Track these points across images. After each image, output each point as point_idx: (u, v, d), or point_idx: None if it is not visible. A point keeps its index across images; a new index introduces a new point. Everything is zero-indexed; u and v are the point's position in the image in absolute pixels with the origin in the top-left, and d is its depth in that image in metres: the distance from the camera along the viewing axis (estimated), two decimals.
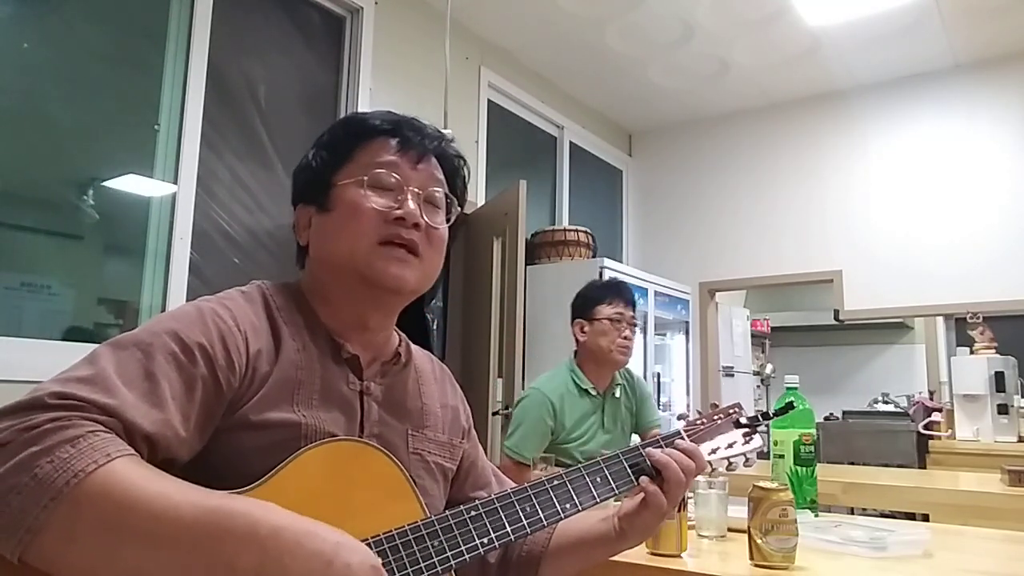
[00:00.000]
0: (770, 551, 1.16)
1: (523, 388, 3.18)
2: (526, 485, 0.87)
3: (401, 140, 0.92)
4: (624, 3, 3.82)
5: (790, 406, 1.13)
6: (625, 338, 2.27)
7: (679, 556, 1.23)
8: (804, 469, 1.58)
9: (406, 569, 0.74)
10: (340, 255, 0.88)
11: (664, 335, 4.78)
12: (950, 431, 3.96)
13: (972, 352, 3.87)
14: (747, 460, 1.03)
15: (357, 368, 0.90)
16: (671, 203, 5.37)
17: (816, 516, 1.58)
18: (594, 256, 4.21)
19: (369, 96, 3.43)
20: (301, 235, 0.94)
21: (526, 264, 3.48)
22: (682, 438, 0.99)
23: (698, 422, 1.04)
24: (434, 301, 3.54)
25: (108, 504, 0.60)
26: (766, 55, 4.34)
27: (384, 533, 0.76)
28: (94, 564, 0.61)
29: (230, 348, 0.78)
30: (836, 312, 4.63)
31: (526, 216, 3.36)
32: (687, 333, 4.81)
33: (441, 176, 0.95)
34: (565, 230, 4.24)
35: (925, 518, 2.35)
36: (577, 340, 2.34)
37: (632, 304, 2.33)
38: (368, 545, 0.73)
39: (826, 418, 5.08)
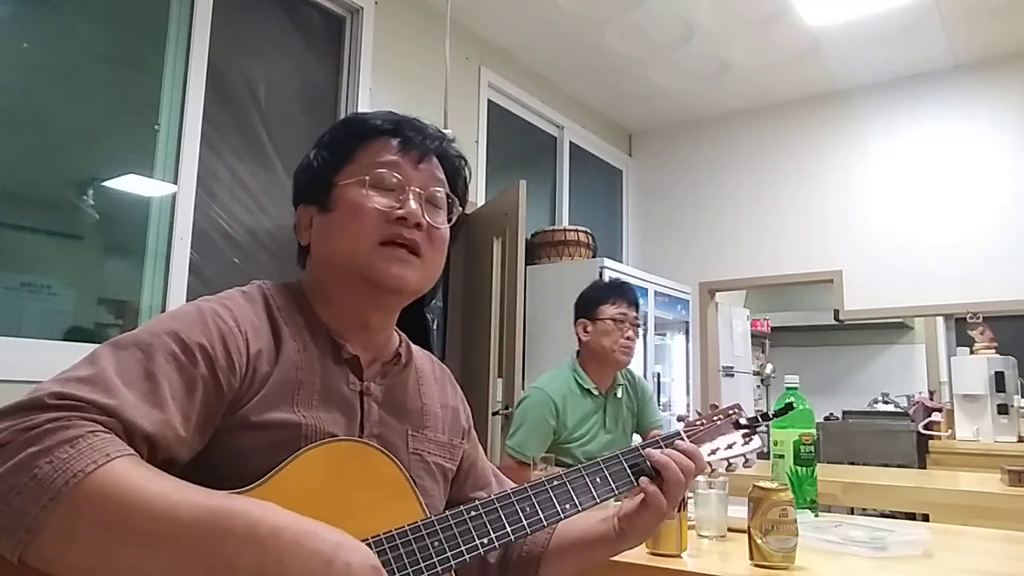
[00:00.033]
0: (770, 551, 1.16)
1: (523, 388, 3.18)
2: (526, 486, 0.87)
3: (403, 140, 0.92)
4: (624, 3, 3.82)
5: (789, 407, 1.13)
6: (628, 339, 2.27)
7: (679, 556, 1.23)
8: (804, 469, 1.58)
9: (406, 569, 0.74)
10: (342, 255, 0.88)
11: (664, 335, 4.78)
12: (950, 431, 3.96)
13: (972, 352, 3.87)
14: (747, 461, 1.03)
15: (357, 368, 0.90)
16: (671, 203, 5.37)
17: (816, 516, 1.58)
18: (594, 256, 4.21)
19: (369, 96, 3.43)
20: (302, 235, 0.94)
21: (526, 264, 3.48)
22: (682, 439, 0.99)
23: (698, 423, 1.04)
24: (434, 301, 3.54)
25: (107, 504, 0.60)
26: (766, 55, 4.34)
27: (384, 533, 0.76)
28: (94, 564, 0.61)
29: (230, 348, 0.78)
30: (836, 312, 4.64)
31: (526, 216, 3.36)
32: (687, 333, 4.81)
33: (442, 176, 0.95)
34: (565, 230, 4.24)
35: (925, 518, 2.35)
36: (580, 340, 2.34)
37: (636, 305, 2.33)
38: (368, 545, 0.72)
39: (826, 418, 5.08)
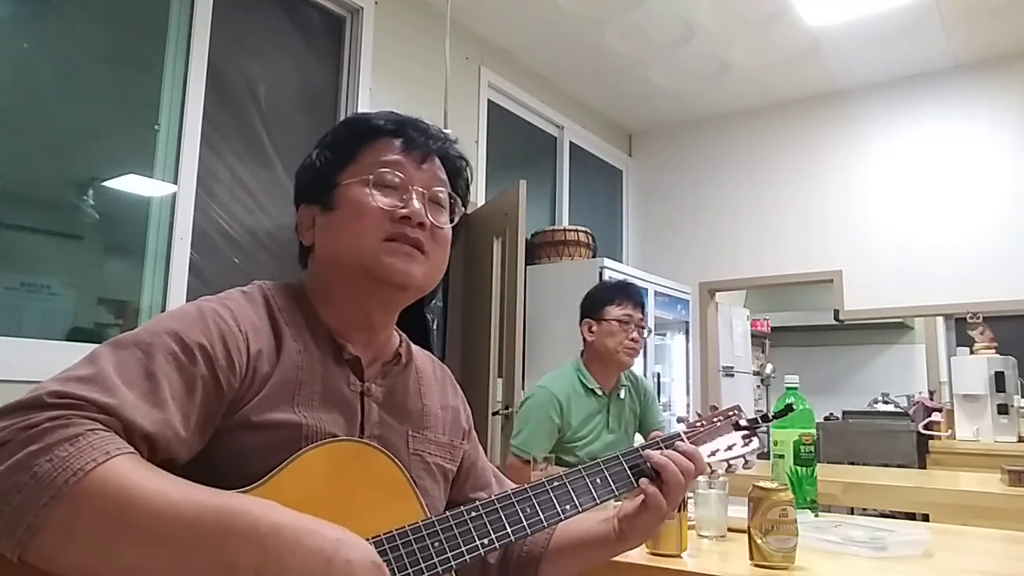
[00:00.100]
0: (770, 551, 1.16)
1: (523, 388, 3.18)
2: (526, 486, 0.87)
3: (405, 140, 0.92)
4: (624, 3, 3.82)
5: (789, 408, 1.13)
6: (633, 340, 2.27)
7: (679, 556, 1.23)
8: (804, 469, 1.58)
9: (406, 569, 0.74)
10: (346, 252, 0.89)
11: (664, 335, 4.78)
12: (950, 431, 3.96)
13: (972, 352, 3.87)
14: (746, 462, 1.03)
15: (358, 369, 0.90)
16: (671, 203, 5.37)
17: (816, 516, 1.58)
18: (594, 256, 4.21)
19: (369, 96, 3.43)
20: (304, 235, 0.94)
21: (526, 264, 3.48)
22: (682, 440, 0.99)
23: (697, 424, 1.04)
24: (434, 301, 3.54)
25: (107, 502, 0.60)
26: (766, 55, 4.34)
27: (384, 533, 0.76)
28: (94, 562, 0.61)
29: (231, 348, 0.78)
30: (836, 312, 4.64)
31: (526, 216, 3.36)
32: (687, 333, 4.81)
33: (444, 176, 0.95)
34: (565, 230, 4.24)
35: (925, 518, 2.35)
36: (585, 340, 2.34)
37: (641, 306, 2.34)
38: None
39: (826, 418, 5.08)
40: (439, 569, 0.76)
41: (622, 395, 2.37)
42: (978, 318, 3.89)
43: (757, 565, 1.17)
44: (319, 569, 0.62)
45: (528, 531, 0.83)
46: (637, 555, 1.20)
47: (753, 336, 5.77)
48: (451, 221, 0.95)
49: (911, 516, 2.71)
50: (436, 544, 0.77)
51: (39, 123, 2.43)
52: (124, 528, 0.60)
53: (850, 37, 4.11)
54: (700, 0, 3.78)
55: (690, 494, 1.39)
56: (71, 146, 2.53)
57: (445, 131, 0.98)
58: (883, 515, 2.62)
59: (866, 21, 3.94)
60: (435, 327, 3.56)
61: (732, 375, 5.18)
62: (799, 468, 1.58)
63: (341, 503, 0.76)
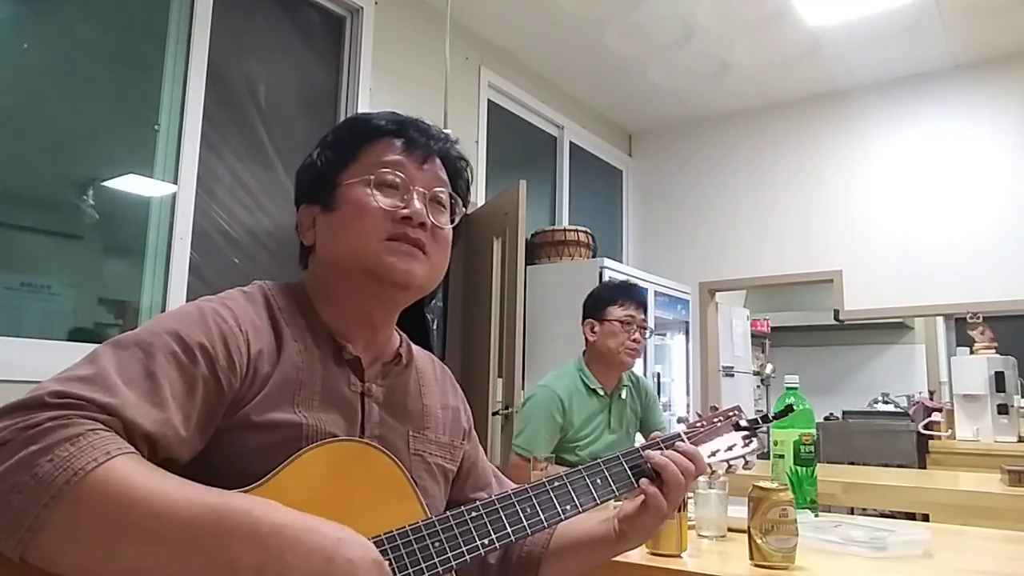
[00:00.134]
0: (770, 551, 1.16)
1: (523, 388, 3.18)
2: (526, 486, 0.87)
3: (406, 140, 0.92)
4: (624, 3, 3.82)
5: (789, 409, 1.13)
6: (635, 340, 2.27)
7: (679, 556, 1.23)
8: (804, 469, 1.58)
9: (407, 569, 0.74)
10: (348, 252, 0.89)
11: (664, 335, 4.78)
12: (950, 431, 3.96)
13: (972, 352, 3.87)
14: (746, 463, 1.03)
15: (359, 370, 0.90)
16: (671, 203, 5.37)
17: (816, 516, 1.58)
18: (594, 256, 4.21)
19: (369, 96, 3.43)
20: (305, 235, 0.94)
21: (526, 264, 3.48)
22: (682, 440, 0.99)
23: (698, 424, 1.04)
24: (434, 301, 3.54)
25: (109, 502, 0.60)
26: (766, 55, 4.34)
27: (385, 533, 0.76)
28: (95, 562, 0.61)
29: (231, 348, 0.78)
30: (836, 312, 4.64)
31: (526, 216, 3.36)
32: (687, 333, 4.81)
33: (445, 177, 0.95)
34: (565, 230, 4.24)
35: (925, 518, 2.35)
36: (587, 340, 2.34)
37: (644, 307, 2.34)
38: None
39: (826, 418, 5.08)
40: (439, 569, 0.76)
41: (624, 395, 2.37)
42: (978, 318, 3.89)
43: (757, 565, 1.17)
44: (321, 568, 0.62)
45: (528, 531, 0.83)
46: (637, 555, 1.20)
47: (753, 336, 5.77)
48: (452, 221, 0.95)
49: (911, 516, 2.71)
50: (436, 544, 0.77)
51: (39, 123, 2.43)
52: (125, 528, 0.60)
53: (850, 37, 4.11)
54: (700, 0, 3.78)
55: (690, 494, 1.39)
56: (71, 146, 2.53)
57: (446, 131, 0.98)
58: (883, 515, 2.62)
59: (866, 21, 3.94)
60: (435, 327, 3.56)
61: (732, 375, 5.18)
62: (799, 468, 1.58)
63: (341, 503, 0.76)
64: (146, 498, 0.61)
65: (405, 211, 0.88)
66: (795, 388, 1.63)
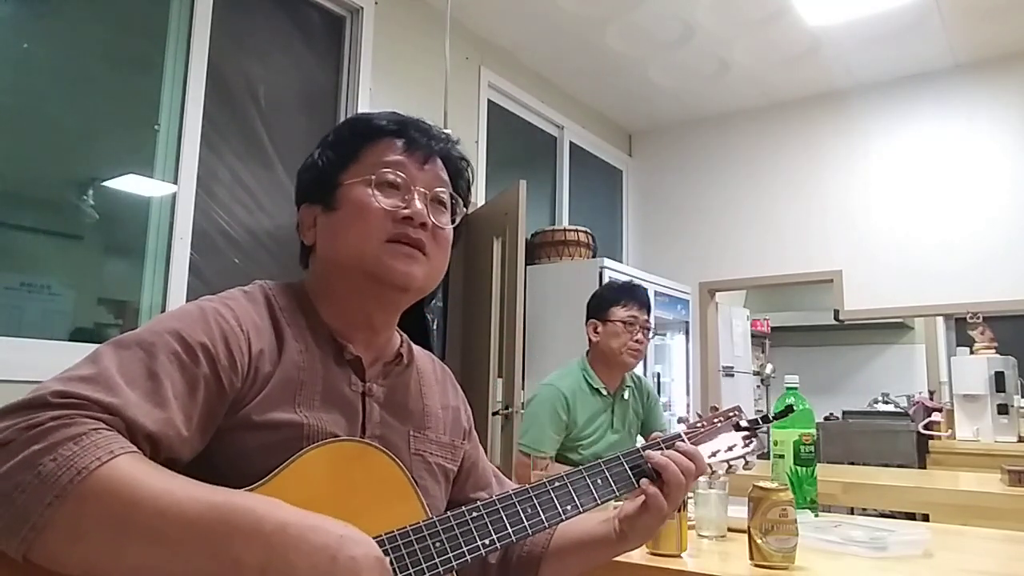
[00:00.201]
0: (770, 551, 1.16)
1: (523, 388, 3.18)
2: (527, 486, 0.87)
3: (407, 141, 0.92)
4: (624, 3, 3.82)
5: (789, 409, 1.13)
6: (637, 341, 2.27)
7: (679, 556, 1.23)
8: (804, 469, 1.58)
9: (408, 569, 0.74)
10: (348, 253, 0.89)
11: (664, 335, 4.78)
12: (950, 431, 3.96)
13: (972, 352, 3.87)
14: (746, 463, 1.03)
15: (359, 369, 0.90)
16: (671, 203, 5.37)
17: (816, 516, 1.58)
18: (594, 256, 4.21)
19: (369, 96, 3.43)
20: (306, 234, 0.94)
21: (526, 264, 3.48)
22: (682, 440, 0.99)
23: (698, 424, 1.04)
24: (434, 301, 3.54)
25: (112, 500, 0.60)
26: (766, 55, 4.34)
27: (386, 533, 0.76)
28: (99, 561, 0.61)
29: (232, 348, 0.78)
30: (836, 312, 4.64)
31: (526, 216, 3.35)
32: (687, 333, 4.81)
33: (446, 177, 0.95)
34: (565, 230, 4.24)
35: (925, 518, 2.35)
36: (590, 340, 2.35)
37: (647, 308, 2.34)
38: None
39: (826, 418, 5.08)
40: (440, 569, 0.76)
41: (626, 396, 2.38)
42: (978, 318, 3.89)
43: (757, 565, 1.17)
44: (324, 565, 0.62)
45: (529, 531, 0.83)
46: (637, 555, 1.20)
47: (753, 336, 5.77)
48: (453, 222, 0.95)
49: (911, 516, 2.71)
50: (437, 544, 0.77)
51: (39, 123, 2.43)
52: (129, 526, 0.60)
53: (850, 37, 4.11)
54: (700, 0, 3.78)
55: (690, 494, 1.39)
56: (71, 146, 2.53)
57: (447, 131, 0.98)
58: (883, 515, 2.62)
59: (866, 21, 3.94)
60: (435, 327, 3.56)
61: (732, 375, 5.18)
62: (799, 468, 1.58)
63: (342, 503, 0.76)
64: (150, 497, 0.61)
65: (406, 211, 0.88)
66: (795, 388, 1.63)
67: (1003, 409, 3.70)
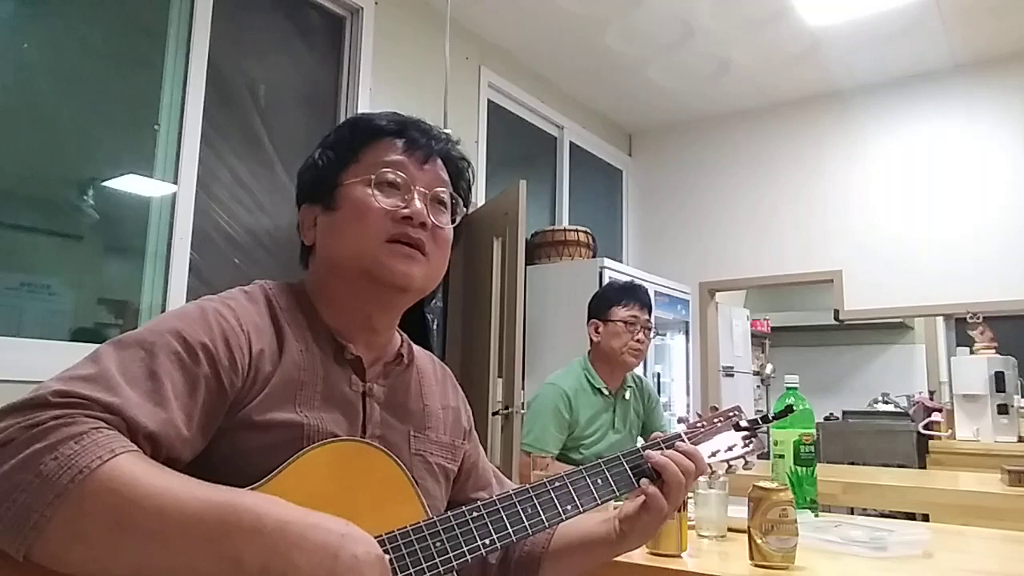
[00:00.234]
0: (770, 551, 1.16)
1: (523, 388, 3.18)
2: (527, 486, 0.87)
3: (408, 141, 0.92)
4: (624, 3, 3.82)
5: (789, 409, 1.13)
6: (638, 341, 2.28)
7: (679, 556, 1.23)
8: (804, 469, 1.58)
9: (408, 569, 0.74)
10: (347, 253, 0.89)
11: (664, 335, 4.78)
12: (950, 431, 3.96)
13: (972, 352, 3.87)
14: (746, 463, 1.03)
15: (360, 369, 0.90)
16: (671, 203, 5.37)
17: (816, 516, 1.58)
18: (594, 256, 4.21)
19: (369, 96, 3.43)
20: (306, 235, 0.95)
21: (526, 264, 3.48)
22: (682, 440, 0.99)
23: (698, 424, 1.04)
24: (434, 301, 3.54)
25: (113, 500, 0.60)
26: (766, 55, 4.34)
27: (386, 533, 0.76)
28: (99, 560, 0.61)
29: (233, 348, 0.78)
30: (836, 312, 4.64)
31: (526, 216, 3.35)
32: (687, 333, 4.81)
33: (446, 177, 0.95)
34: (565, 230, 4.24)
35: (925, 518, 2.35)
36: (591, 340, 2.35)
37: (648, 308, 2.34)
38: None
39: (826, 418, 5.08)
40: (440, 568, 0.76)
41: (627, 396, 2.38)
42: (978, 318, 3.89)
43: (757, 565, 1.17)
44: (326, 564, 0.62)
45: (529, 531, 0.83)
46: (637, 555, 1.20)
47: (753, 336, 5.77)
48: (453, 222, 0.95)
49: (911, 516, 2.71)
50: (438, 544, 0.77)
51: (39, 123, 2.43)
52: (129, 525, 0.60)
53: (850, 37, 4.11)
54: (700, 0, 3.78)
55: (690, 494, 1.39)
56: (71, 146, 2.53)
57: (447, 132, 0.98)
58: (883, 515, 2.62)
59: (866, 21, 3.94)
60: (435, 327, 3.56)
61: (732, 375, 5.18)
62: (799, 468, 1.58)
63: (343, 503, 0.76)
64: (150, 496, 0.61)
65: (405, 211, 0.88)
66: (795, 388, 1.63)
67: (1003, 409, 3.70)
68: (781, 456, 1.60)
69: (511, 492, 0.85)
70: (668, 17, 3.94)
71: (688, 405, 4.72)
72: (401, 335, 1.00)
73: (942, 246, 4.32)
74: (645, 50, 4.32)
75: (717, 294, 5.19)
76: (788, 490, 1.20)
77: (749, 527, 1.19)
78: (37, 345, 2.29)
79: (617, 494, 0.92)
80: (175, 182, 2.70)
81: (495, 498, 0.84)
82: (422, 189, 0.91)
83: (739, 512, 1.28)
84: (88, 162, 2.56)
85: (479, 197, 3.92)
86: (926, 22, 3.95)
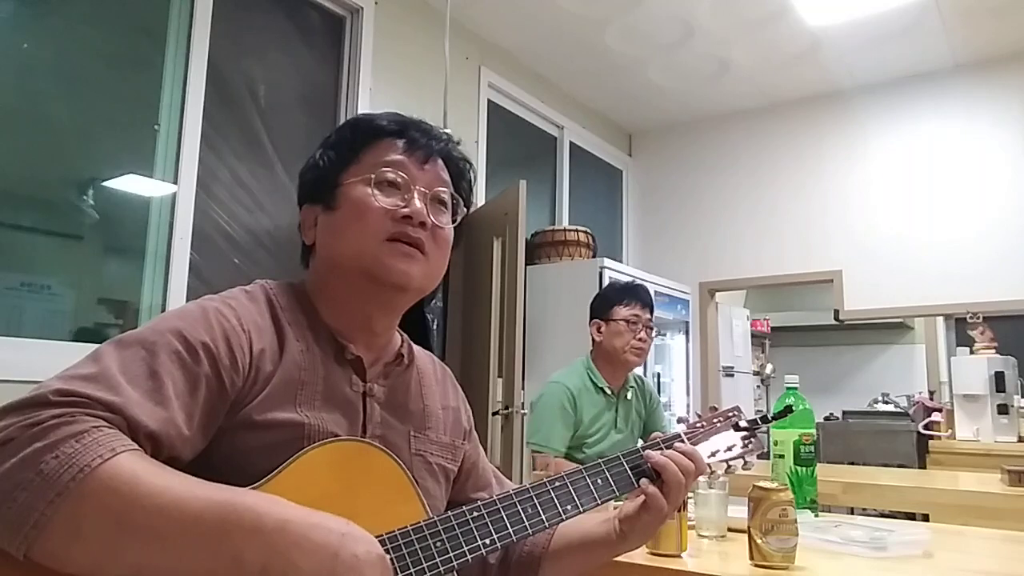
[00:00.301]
0: (770, 551, 1.16)
1: (523, 388, 3.18)
2: (527, 486, 0.87)
3: (408, 141, 0.92)
4: (624, 3, 3.82)
5: (789, 409, 1.13)
6: (640, 340, 2.28)
7: (679, 556, 1.23)
8: (804, 469, 1.58)
9: (408, 568, 0.74)
10: (347, 253, 0.89)
11: (664, 335, 4.78)
12: (950, 431, 3.96)
13: (972, 352, 3.87)
14: (746, 463, 1.03)
15: (360, 369, 0.90)
16: (671, 203, 5.37)
17: (816, 516, 1.58)
18: (594, 256, 4.21)
19: (369, 96, 3.43)
20: (307, 234, 0.95)
21: (526, 264, 3.48)
22: (682, 440, 0.99)
23: (697, 425, 1.04)
24: (434, 301, 3.54)
25: (113, 498, 0.60)
26: (766, 55, 4.34)
27: (387, 533, 0.76)
28: (100, 559, 0.61)
29: (234, 347, 0.78)
30: (836, 312, 4.64)
31: (526, 216, 3.35)
32: (687, 333, 4.81)
33: (447, 177, 0.95)
34: (565, 230, 4.24)
35: (925, 518, 2.35)
36: (593, 340, 2.35)
37: (650, 307, 2.35)
38: None
39: (826, 418, 5.08)
40: (440, 568, 0.76)
41: (629, 396, 2.39)
42: (978, 318, 3.89)
43: (757, 565, 1.17)
44: (326, 563, 0.62)
45: (530, 531, 0.83)
46: (637, 555, 1.20)
47: (753, 336, 5.77)
48: (453, 222, 0.95)
49: (911, 516, 2.71)
50: (438, 543, 0.77)
51: (39, 123, 2.43)
52: (130, 524, 0.61)
53: (850, 37, 4.11)
54: (700, 0, 3.78)
55: (690, 494, 1.39)
56: (71, 146, 2.53)
57: (448, 132, 0.98)
58: (883, 515, 2.62)
59: (866, 21, 3.94)
60: (435, 327, 3.56)
61: (732, 375, 5.18)
62: (799, 468, 1.58)
63: (343, 503, 0.76)
64: (151, 494, 0.61)
65: (405, 210, 0.88)
66: (795, 388, 1.63)
67: (1003, 409, 3.70)
68: (781, 456, 1.60)
69: (511, 492, 0.85)
70: (668, 17, 3.94)
71: (688, 405, 4.72)
72: (401, 335, 1.00)
73: (942, 246, 4.32)
74: (645, 50, 4.32)
75: (717, 294, 5.19)
76: (788, 490, 1.20)
77: (749, 527, 1.19)
78: (37, 345, 2.29)
79: (617, 494, 0.92)
80: (175, 182, 2.70)
81: (495, 498, 0.84)
82: (422, 189, 0.91)
83: (739, 512, 1.28)
84: (88, 162, 2.56)
85: (479, 197, 3.92)
86: (926, 22, 3.95)
